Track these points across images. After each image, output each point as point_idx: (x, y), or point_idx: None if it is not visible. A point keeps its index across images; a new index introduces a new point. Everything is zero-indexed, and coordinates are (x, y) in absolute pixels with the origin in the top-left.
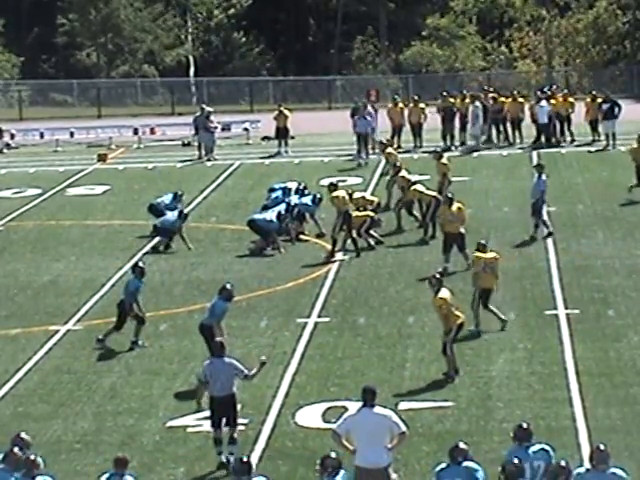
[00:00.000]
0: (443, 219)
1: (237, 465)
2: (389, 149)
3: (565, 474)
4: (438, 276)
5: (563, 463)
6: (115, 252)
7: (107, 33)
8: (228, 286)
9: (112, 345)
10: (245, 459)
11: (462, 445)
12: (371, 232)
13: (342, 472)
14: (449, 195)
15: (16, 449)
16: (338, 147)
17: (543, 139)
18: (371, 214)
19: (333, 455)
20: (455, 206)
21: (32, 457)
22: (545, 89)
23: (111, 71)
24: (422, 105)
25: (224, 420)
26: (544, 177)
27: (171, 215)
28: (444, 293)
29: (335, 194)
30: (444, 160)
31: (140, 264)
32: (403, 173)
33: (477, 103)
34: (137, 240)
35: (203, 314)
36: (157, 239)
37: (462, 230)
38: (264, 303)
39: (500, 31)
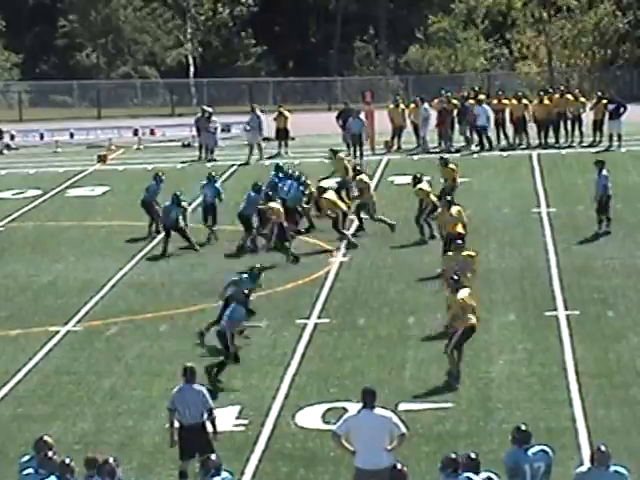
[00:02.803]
0: (442, 222)
1: (208, 463)
2: (341, 154)
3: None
4: (455, 277)
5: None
6: (115, 253)
7: (107, 34)
8: (246, 291)
9: (112, 346)
10: (214, 457)
11: (472, 455)
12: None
13: (225, 474)
14: (448, 198)
15: (50, 453)
16: (337, 148)
17: (486, 142)
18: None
19: (213, 457)
20: (455, 209)
21: (67, 461)
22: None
23: (111, 72)
24: (426, 105)
25: (195, 452)
26: (605, 172)
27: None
28: (462, 293)
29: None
30: (451, 165)
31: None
32: (362, 176)
33: (426, 105)
34: (137, 241)
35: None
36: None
37: (462, 230)
38: (264, 304)
39: (501, 33)
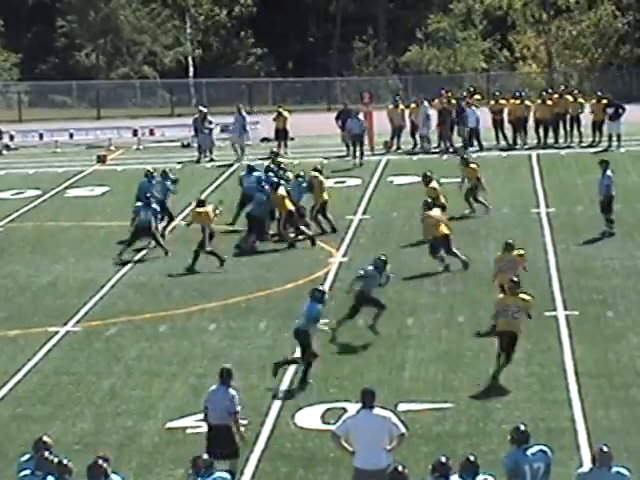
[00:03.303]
0: (427, 224)
1: (200, 462)
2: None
3: None
4: (515, 279)
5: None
6: (114, 253)
7: (106, 34)
8: (320, 287)
9: (111, 347)
10: (205, 457)
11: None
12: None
13: (220, 474)
14: (428, 200)
15: (47, 453)
16: (337, 148)
17: (476, 143)
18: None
19: (205, 456)
20: (436, 210)
21: (65, 461)
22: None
23: (110, 72)
24: (426, 105)
25: (219, 453)
26: (609, 172)
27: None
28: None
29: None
30: (473, 165)
31: (320, 288)
32: (316, 173)
33: (426, 104)
34: (137, 242)
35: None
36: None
37: (446, 231)
38: (263, 304)
39: (501, 33)
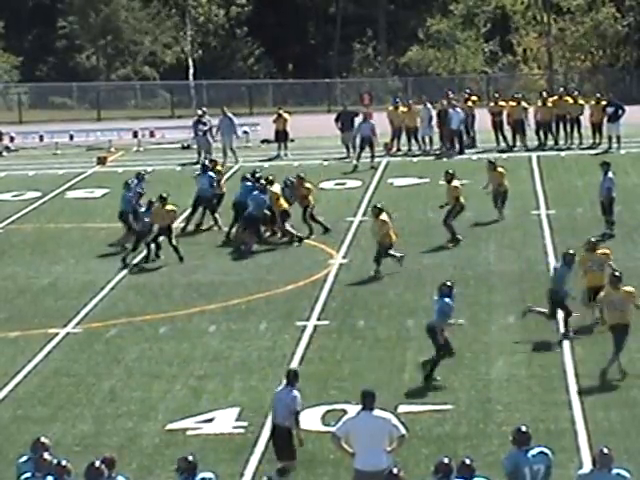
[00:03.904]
0: (373, 230)
1: (183, 464)
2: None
3: None
4: (617, 274)
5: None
6: (114, 255)
7: (107, 36)
8: (448, 282)
9: (111, 348)
10: (191, 458)
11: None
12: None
13: (202, 474)
14: (378, 205)
15: (46, 454)
16: (338, 150)
17: (457, 145)
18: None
19: (190, 458)
20: (383, 216)
21: (63, 462)
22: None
23: (110, 74)
24: (428, 106)
25: (278, 454)
26: (610, 175)
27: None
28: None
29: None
30: (500, 169)
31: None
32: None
33: (429, 105)
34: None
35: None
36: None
37: (394, 237)
38: (263, 306)
39: (502, 35)
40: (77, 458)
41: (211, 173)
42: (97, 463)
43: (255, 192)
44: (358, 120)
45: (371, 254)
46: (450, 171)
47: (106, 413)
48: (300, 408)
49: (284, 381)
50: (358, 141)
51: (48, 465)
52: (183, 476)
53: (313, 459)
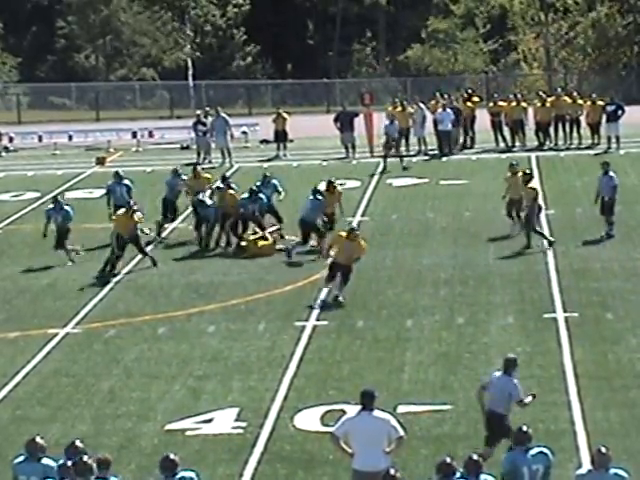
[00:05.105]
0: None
1: (166, 462)
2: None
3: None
4: None
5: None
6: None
7: (106, 36)
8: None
9: (110, 348)
10: (172, 456)
11: (475, 457)
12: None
13: (182, 473)
14: (353, 226)
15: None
16: (337, 150)
17: (446, 147)
18: None
19: (172, 456)
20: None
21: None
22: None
23: (110, 74)
24: (410, 110)
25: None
26: (611, 174)
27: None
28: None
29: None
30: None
31: None
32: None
33: (422, 106)
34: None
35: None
36: None
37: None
38: (262, 306)
39: (500, 35)
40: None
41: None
42: (85, 458)
43: (311, 197)
44: (357, 120)
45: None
46: (528, 171)
47: (105, 413)
48: (523, 395)
49: (500, 370)
50: (383, 141)
51: (88, 469)
52: (164, 474)
53: (312, 460)
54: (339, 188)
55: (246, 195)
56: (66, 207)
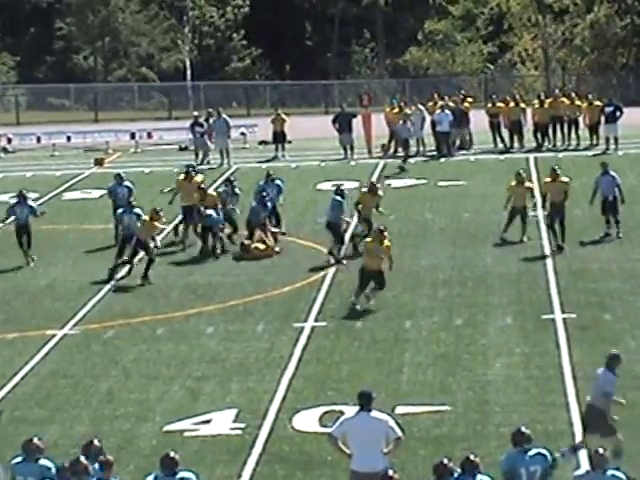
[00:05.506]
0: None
1: (166, 460)
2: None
3: None
4: None
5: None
6: (112, 256)
7: (104, 37)
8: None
9: (109, 349)
10: (173, 455)
11: (472, 457)
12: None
13: (182, 474)
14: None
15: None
16: (335, 151)
17: (444, 148)
18: None
19: (172, 454)
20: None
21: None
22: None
23: (108, 75)
24: (408, 111)
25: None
26: (612, 173)
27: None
28: None
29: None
30: (564, 178)
31: None
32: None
33: (421, 107)
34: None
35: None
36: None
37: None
38: (261, 307)
39: (499, 36)
40: None
41: (128, 183)
42: (82, 458)
43: (336, 198)
44: (355, 121)
45: None
46: (555, 169)
47: (103, 414)
48: (611, 390)
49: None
50: (346, 142)
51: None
52: (164, 473)
53: (311, 460)
54: (380, 192)
55: (254, 204)
56: (30, 203)
